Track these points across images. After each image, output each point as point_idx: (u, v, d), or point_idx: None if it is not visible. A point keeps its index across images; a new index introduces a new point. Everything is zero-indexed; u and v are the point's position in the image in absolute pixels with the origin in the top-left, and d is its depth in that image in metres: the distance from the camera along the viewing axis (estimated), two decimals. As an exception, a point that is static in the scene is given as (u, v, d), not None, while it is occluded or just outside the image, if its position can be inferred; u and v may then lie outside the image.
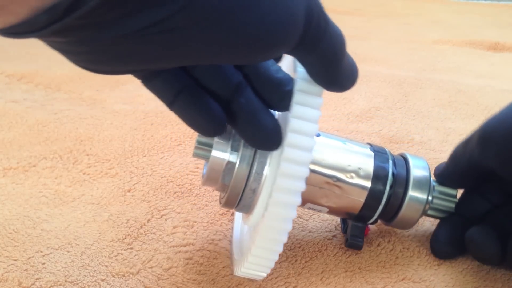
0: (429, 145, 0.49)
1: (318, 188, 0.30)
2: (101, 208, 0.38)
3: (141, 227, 0.36)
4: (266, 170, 0.26)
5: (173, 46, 0.18)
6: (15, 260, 0.33)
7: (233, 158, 0.26)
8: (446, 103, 0.61)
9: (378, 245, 0.34)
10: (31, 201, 0.39)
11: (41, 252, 0.33)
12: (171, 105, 0.24)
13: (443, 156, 0.47)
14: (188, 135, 0.51)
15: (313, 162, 0.30)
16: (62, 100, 0.61)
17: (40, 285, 0.30)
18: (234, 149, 0.26)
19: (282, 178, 0.24)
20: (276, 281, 0.31)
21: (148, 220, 0.37)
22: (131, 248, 0.34)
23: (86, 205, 0.39)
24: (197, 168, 0.44)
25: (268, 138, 0.25)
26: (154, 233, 0.36)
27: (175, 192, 0.41)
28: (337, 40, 0.22)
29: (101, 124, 0.54)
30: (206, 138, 0.27)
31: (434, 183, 0.34)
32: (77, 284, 0.31)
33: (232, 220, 0.37)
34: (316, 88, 0.24)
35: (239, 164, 0.26)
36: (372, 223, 0.33)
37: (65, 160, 0.46)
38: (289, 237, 0.35)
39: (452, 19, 1.17)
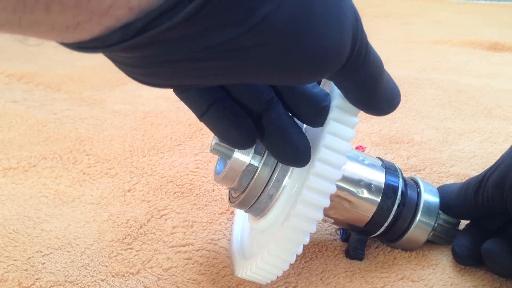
0: (429, 145, 0.49)
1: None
2: (101, 208, 0.39)
3: (141, 227, 0.36)
4: (287, 179, 0.26)
5: (235, 66, 0.18)
6: (15, 260, 0.33)
7: (255, 161, 0.26)
8: (446, 103, 0.61)
9: (377, 247, 0.34)
10: (31, 201, 0.39)
11: (41, 252, 0.33)
12: (202, 116, 0.24)
13: (443, 156, 0.47)
14: (188, 135, 0.51)
15: None
16: (62, 100, 0.61)
17: (40, 285, 0.30)
18: (258, 152, 0.26)
19: (309, 191, 0.24)
20: (276, 281, 0.31)
21: (148, 220, 0.37)
22: (131, 248, 0.34)
23: (86, 205, 0.39)
24: (197, 168, 0.44)
25: (296, 155, 0.25)
26: (154, 233, 0.36)
27: (175, 192, 0.41)
28: (375, 67, 0.22)
29: (101, 124, 0.54)
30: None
31: (440, 211, 0.34)
32: (77, 284, 0.31)
33: (231, 219, 0.37)
34: (354, 107, 0.24)
35: (261, 168, 0.26)
36: (373, 237, 0.33)
37: (65, 160, 0.46)
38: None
39: (452, 19, 1.17)
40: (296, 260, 0.33)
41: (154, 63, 0.17)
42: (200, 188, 0.41)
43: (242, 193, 0.27)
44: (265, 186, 0.26)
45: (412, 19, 1.17)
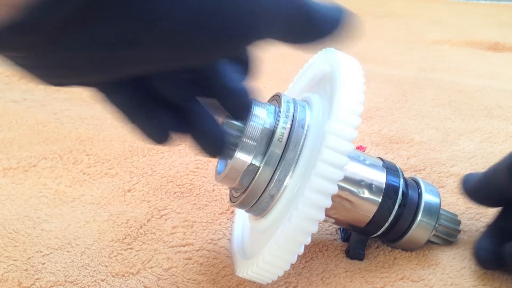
0: (429, 145, 0.49)
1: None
2: (101, 208, 0.38)
3: (141, 227, 0.36)
4: (288, 179, 0.26)
5: (131, 57, 0.18)
6: (15, 260, 0.33)
7: (257, 161, 0.26)
8: (446, 103, 0.61)
9: (377, 247, 0.34)
10: (31, 201, 0.39)
11: (41, 252, 0.33)
12: (123, 115, 0.25)
13: (443, 156, 0.47)
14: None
15: None
16: (62, 100, 0.61)
17: (40, 285, 0.30)
18: (259, 152, 0.26)
19: (311, 191, 0.24)
20: (276, 281, 0.31)
21: (148, 220, 0.37)
22: (131, 248, 0.34)
23: (86, 205, 0.39)
24: (197, 168, 0.44)
25: (210, 145, 0.25)
26: (154, 233, 0.36)
27: (175, 192, 0.41)
28: None
29: (101, 124, 0.54)
30: (232, 135, 0.27)
31: (441, 211, 0.34)
32: (77, 284, 0.31)
33: (231, 219, 0.37)
34: (357, 106, 0.24)
35: (262, 168, 0.26)
36: (374, 237, 0.33)
37: (65, 160, 0.46)
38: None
39: (452, 19, 1.17)
40: (296, 260, 0.33)
41: (50, 60, 0.17)
42: (200, 188, 0.41)
43: (243, 193, 0.27)
44: (266, 186, 0.26)
45: (412, 19, 1.17)
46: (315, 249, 0.34)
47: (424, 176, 0.43)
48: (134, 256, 0.33)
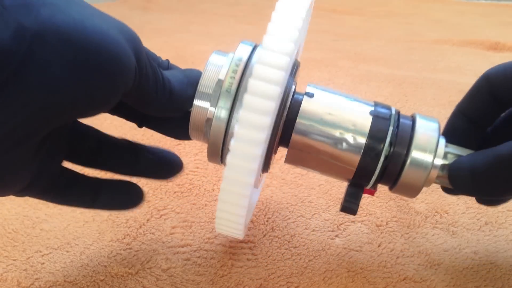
0: (430, 145, 0.49)
1: (306, 153, 0.27)
2: (101, 208, 0.38)
3: (140, 227, 0.36)
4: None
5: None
6: (14, 260, 0.32)
7: (212, 110, 0.26)
8: (446, 103, 0.61)
9: (379, 245, 0.34)
10: (30, 200, 0.39)
11: (40, 252, 0.33)
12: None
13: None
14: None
15: (302, 125, 0.27)
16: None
17: (39, 285, 0.30)
18: (214, 102, 0.25)
19: (242, 127, 0.22)
20: (278, 280, 0.31)
21: (148, 220, 0.37)
22: (130, 248, 0.34)
23: (86, 205, 0.39)
24: (197, 168, 0.44)
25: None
26: (153, 233, 0.35)
27: (174, 192, 0.41)
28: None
29: (101, 123, 0.53)
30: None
31: (449, 148, 0.28)
32: (76, 284, 0.30)
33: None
34: (298, 10, 0.23)
35: (215, 119, 0.25)
36: (373, 189, 0.29)
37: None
38: (293, 235, 0.35)
39: (452, 18, 1.17)
40: (300, 259, 0.33)
41: None
42: (200, 188, 0.41)
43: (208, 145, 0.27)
44: (224, 136, 0.25)
45: (412, 19, 1.17)
46: (318, 247, 0.34)
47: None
48: (133, 256, 0.33)
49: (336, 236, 0.35)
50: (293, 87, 0.28)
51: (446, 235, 0.35)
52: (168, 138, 0.49)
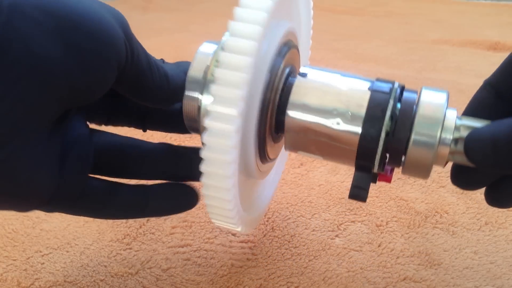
0: (430, 145, 0.49)
1: (303, 135, 0.26)
2: (101, 208, 0.38)
3: (140, 227, 0.36)
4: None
5: None
6: (14, 260, 0.32)
7: (201, 100, 0.25)
8: (446, 103, 0.61)
9: (379, 245, 0.34)
10: (30, 201, 0.39)
11: (40, 252, 0.33)
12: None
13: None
14: (188, 135, 0.50)
15: (294, 107, 0.26)
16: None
17: (39, 285, 0.30)
18: (201, 90, 0.25)
19: (215, 102, 0.21)
20: (278, 280, 0.31)
21: (148, 220, 0.37)
22: (130, 248, 0.34)
23: (85, 205, 0.39)
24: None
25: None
26: (153, 233, 0.35)
27: (174, 192, 0.41)
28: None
29: (101, 123, 0.54)
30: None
31: (464, 121, 0.25)
32: (76, 284, 0.30)
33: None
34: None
35: (202, 106, 0.25)
36: (381, 171, 0.27)
37: (64, 159, 0.45)
38: (293, 235, 0.35)
39: (452, 18, 1.17)
40: (300, 258, 0.33)
41: None
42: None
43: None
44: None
45: (412, 19, 1.17)
46: (318, 247, 0.34)
47: (425, 175, 0.43)
48: (133, 256, 0.33)
49: (336, 236, 0.35)
50: (286, 69, 0.27)
51: (446, 235, 0.35)
52: (167, 138, 0.50)
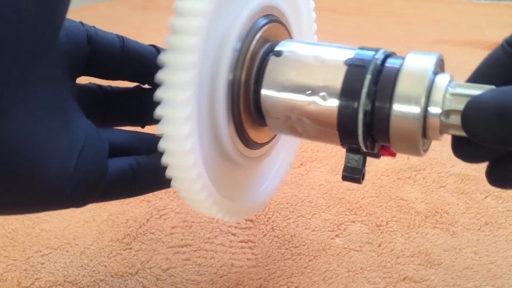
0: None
1: (284, 120, 0.25)
2: (101, 208, 0.38)
3: (140, 227, 0.36)
4: None
5: None
6: (14, 260, 0.32)
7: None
8: (446, 103, 0.61)
9: (379, 245, 0.34)
10: (30, 200, 0.39)
11: (40, 252, 0.33)
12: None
13: (443, 156, 0.46)
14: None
15: (269, 86, 0.25)
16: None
17: (39, 285, 0.30)
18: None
19: (165, 71, 0.20)
20: (278, 280, 0.31)
21: (148, 220, 0.37)
22: (130, 248, 0.34)
23: (86, 204, 0.39)
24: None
25: None
26: (153, 233, 0.35)
27: (174, 192, 0.41)
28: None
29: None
30: None
31: (460, 89, 0.22)
32: (76, 284, 0.30)
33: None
34: None
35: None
36: (372, 150, 0.25)
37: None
38: (293, 235, 0.35)
39: (452, 19, 1.17)
40: (300, 258, 0.33)
41: None
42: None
43: None
44: None
45: (413, 19, 1.17)
46: (318, 247, 0.34)
47: (424, 176, 0.43)
48: (133, 256, 0.33)
49: (336, 236, 0.35)
50: (265, 45, 0.25)
51: (446, 235, 0.35)
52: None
